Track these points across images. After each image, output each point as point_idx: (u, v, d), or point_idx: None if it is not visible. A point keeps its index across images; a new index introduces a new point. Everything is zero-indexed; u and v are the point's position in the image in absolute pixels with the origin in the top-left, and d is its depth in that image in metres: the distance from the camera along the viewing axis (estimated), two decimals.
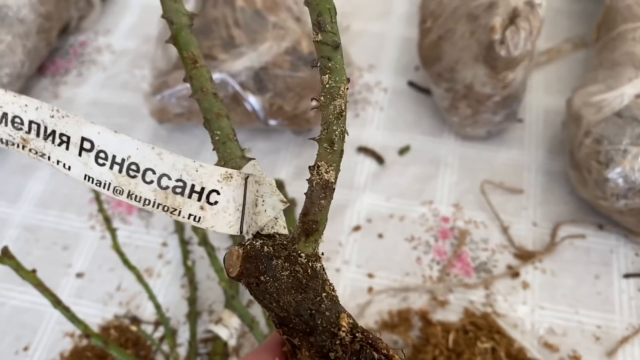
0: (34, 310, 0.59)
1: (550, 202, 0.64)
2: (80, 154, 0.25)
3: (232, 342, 0.54)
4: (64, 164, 0.25)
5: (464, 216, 0.63)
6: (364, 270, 0.60)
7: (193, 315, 0.56)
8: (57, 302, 0.46)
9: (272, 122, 0.64)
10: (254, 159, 0.29)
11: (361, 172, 0.67)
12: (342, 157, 0.26)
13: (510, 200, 0.64)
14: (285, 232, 0.27)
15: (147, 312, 0.58)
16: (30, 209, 0.65)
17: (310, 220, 0.26)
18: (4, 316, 0.58)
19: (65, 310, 0.46)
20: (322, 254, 0.27)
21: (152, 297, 0.53)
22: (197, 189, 0.25)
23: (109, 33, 0.81)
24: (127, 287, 0.60)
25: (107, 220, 0.54)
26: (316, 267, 0.26)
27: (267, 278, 0.25)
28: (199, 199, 0.26)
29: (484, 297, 0.58)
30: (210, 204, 0.26)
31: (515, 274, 0.59)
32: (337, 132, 0.26)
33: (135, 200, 0.25)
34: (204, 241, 0.53)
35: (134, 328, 0.53)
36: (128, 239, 0.63)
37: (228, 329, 0.54)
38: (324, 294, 0.26)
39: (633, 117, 0.56)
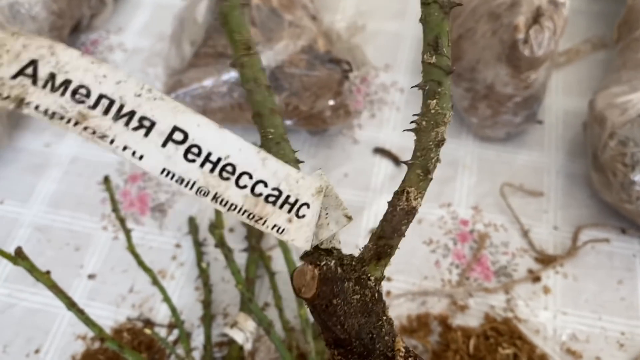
0: (46, 312, 0.57)
1: (572, 205, 0.63)
2: (164, 145, 0.22)
3: (247, 346, 0.53)
4: (134, 152, 0.22)
5: (484, 219, 0.62)
6: None
7: (208, 319, 0.55)
8: (71, 304, 0.45)
9: (288, 122, 0.63)
10: (321, 169, 0.27)
11: (378, 173, 0.66)
12: (428, 187, 0.26)
13: (531, 203, 0.63)
14: (340, 247, 0.26)
15: (161, 314, 0.57)
16: (42, 209, 0.64)
17: (386, 245, 0.26)
18: (15, 318, 0.57)
19: (80, 313, 0.45)
20: (385, 277, 0.27)
21: (167, 299, 0.52)
22: (292, 200, 0.24)
23: (121, 31, 0.80)
24: (140, 289, 0.59)
25: (122, 221, 0.53)
26: (381, 291, 0.26)
27: (339, 301, 0.25)
28: (289, 211, 0.24)
29: (505, 302, 0.57)
30: (298, 217, 0.24)
31: (536, 279, 0.58)
32: (433, 160, 0.25)
33: (220, 203, 0.23)
34: (221, 243, 0.52)
35: (147, 331, 0.52)
36: (141, 240, 0.62)
37: (244, 332, 0.53)
38: (384, 318, 0.25)
39: None
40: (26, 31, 0.67)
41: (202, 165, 0.22)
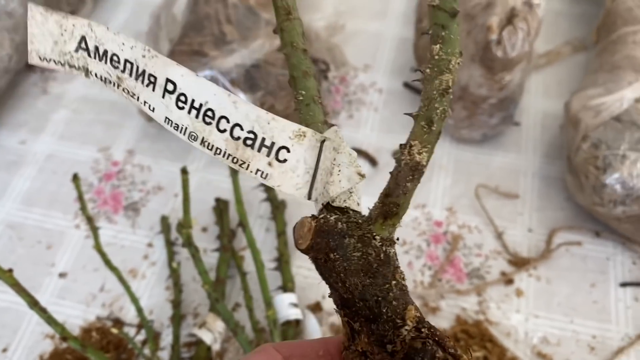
0: (14, 311, 0.57)
1: (547, 207, 0.62)
2: (163, 96, 0.25)
3: (215, 347, 0.53)
4: (150, 105, 0.25)
5: (458, 220, 0.62)
6: None
7: (177, 319, 0.55)
8: (33, 303, 0.45)
9: None
10: (336, 125, 0.27)
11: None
12: (438, 138, 0.25)
13: (506, 205, 0.63)
14: (359, 209, 0.26)
15: (131, 314, 0.57)
16: (14, 207, 0.64)
17: (392, 202, 0.24)
18: None
19: (42, 312, 0.45)
20: (397, 239, 0.25)
21: (133, 299, 0.51)
22: (267, 143, 0.24)
23: None
24: (111, 288, 0.58)
25: (89, 219, 0.53)
26: (389, 252, 0.25)
27: (337, 256, 0.24)
28: (268, 154, 0.24)
29: (477, 304, 0.56)
30: (279, 161, 0.25)
31: (509, 281, 0.58)
32: (438, 111, 0.24)
33: (207, 148, 0.25)
34: (188, 242, 0.51)
35: (114, 330, 0.52)
36: (113, 239, 0.61)
37: (212, 333, 0.53)
38: (393, 282, 0.24)
39: (632, 122, 0.54)
40: (2, 27, 0.66)
41: (190, 111, 0.24)
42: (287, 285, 0.56)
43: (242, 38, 0.63)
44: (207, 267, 0.55)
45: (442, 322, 0.55)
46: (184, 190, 0.53)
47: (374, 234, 0.24)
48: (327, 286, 0.25)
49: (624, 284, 0.57)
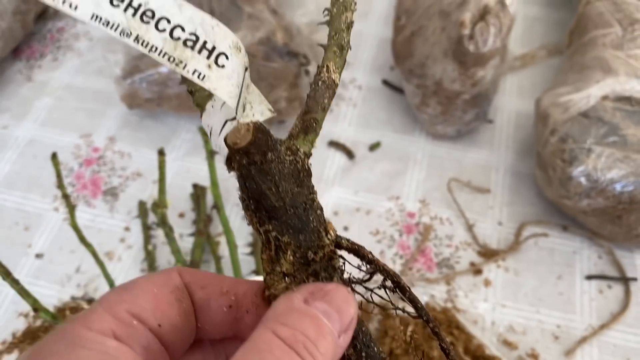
0: None
1: (517, 202, 0.64)
2: None
3: None
4: (71, 4, 0.24)
5: (430, 212, 0.63)
6: None
7: None
8: (6, 274, 0.45)
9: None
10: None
11: (331, 166, 0.67)
12: (344, 66, 0.28)
13: (477, 199, 0.64)
14: None
15: (103, 286, 0.58)
16: None
17: (312, 118, 0.26)
18: None
19: (15, 283, 0.46)
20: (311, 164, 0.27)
21: (106, 275, 0.52)
22: (209, 46, 0.25)
23: None
24: (87, 270, 0.59)
25: (66, 197, 0.54)
26: (310, 167, 0.26)
27: (274, 157, 0.24)
28: (208, 57, 0.25)
29: (445, 292, 0.58)
30: (218, 65, 0.25)
31: (477, 271, 0.59)
32: (345, 40, 0.27)
33: (142, 45, 0.24)
34: (162, 221, 0.52)
35: (87, 307, 0.52)
36: (91, 222, 0.62)
37: None
38: (314, 195, 0.26)
39: (598, 118, 0.56)
40: None
41: (126, 10, 0.24)
42: (260, 270, 0.57)
43: None
44: (183, 251, 0.56)
45: (410, 308, 0.56)
46: (160, 171, 0.54)
47: (298, 146, 0.26)
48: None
49: (589, 277, 0.59)
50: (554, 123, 0.57)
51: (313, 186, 0.26)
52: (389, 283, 0.27)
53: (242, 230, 0.61)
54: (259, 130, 0.24)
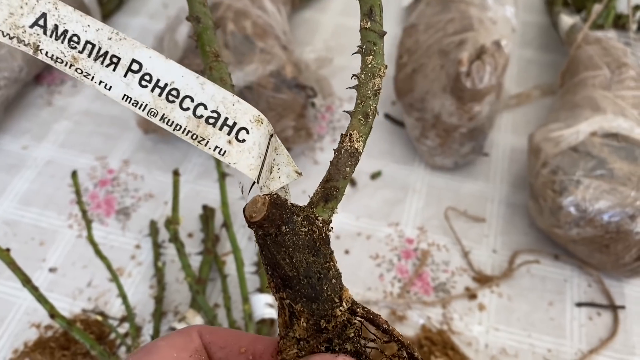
0: (3, 300, 0.60)
1: (511, 232, 0.67)
2: (125, 75, 0.25)
3: None
4: (106, 84, 0.26)
5: (428, 239, 0.66)
6: None
7: (158, 313, 0.58)
8: (26, 281, 0.48)
9: None
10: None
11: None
12: (370, 132, 0.28)
13: (473, 228, 0.67)
14: (290, 199, 0.28)
15: (115, 308, 0.60)
16: (12, 205, 0.68)
17: (332, 187, 0.27)
18: None
19: (34, 290, 0.48)
20: (332, 228, 0.27)
21: (119, 286, 0.55)
22: (230, 122, 0.26)
23: None
24: (98, 284, 0.62)
25: (84, 212, 0.57)
26: (329, 235, 0.27)
27: (288, 230, 0.25)
28: (229, 133, 0.26)
29: (441, 315, 0.60)
30: (238, 140, 0.26)
31: (472, 296, 0.62)
32: (372, 107, 0.28)
33: (167, 124, 0.26)
34: (175, 237, 0.55)
35: (99, 318, 0.55)
36: (104, 239, 0.65)
37: None
38: (331, 263, 0.26)
39: (587, 152, 0.60)
40: None
41: (153, 90, 0.26)
42: (265, 288, 0.59)
43: (237, 62, 0.69)
44: (194, 272, 0.59)
45: (408, 330, 0.59)
46: (174, 189, 0.58)
47: (317, 215, 0.27)
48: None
49: (579, 304, 0.61)
50: (546, 156, 0.61)
51: (331, 252, 0.26)
52: (403, 353, 0.28)
53: (247, 251, 0.64)
54: (274, 205, 0.25)
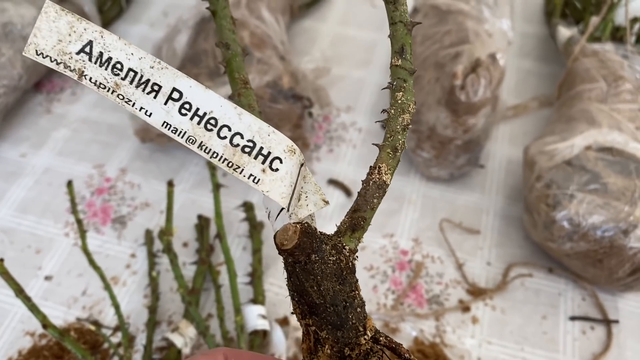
0: None
1: (506, 244, 0.67)
2: (166, 103, 0.27)
3: (186, 350, 0.56)
4: (146, 111, 0.27)
5: (422, 251, 0.66)
6: None
7: (152, 323, 0.58)
8: (19, 291, 0.49)
9: None
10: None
11: (329, 202, 0.70)
12: (397, 165, 0.29)
13: (468, 240, 0.67)
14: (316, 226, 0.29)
15: (109, 317, 0.60)
16: (9, 213, 0.68)
17: (360, 217, 0.28)
18: None
19: (27, 300, 0.49)
20: (358, 257, 0.28)
21: (112, 296, 0.55)
22: (265, 152, 0.27)
23: None
24: (93, 293, 0.62)
25: (79, 222, 0.57)
26: (355, 263, 0.27)
27: (317, 258, 0.26)
28: (263, 162, 0.27)
29: (434, 327, 0.60)
30: (272, 169, 0.27)
31: (466, 309, 0.62)
32: (400, 142, 0.29)
33: (204, 151, 0.27)
34: (168, 248, 0.56)
35: (92, 327, 0.55)
36: (99, 248, 0.65)
37: (183, 337, 0.56)
38: (357, 292, 0.27)
39: (581, 167, 0.60)
40: (16, 49, 0.72)
41: (192, 118, 0.27)
42: (258, 299, 0.59)
43: None
44: (185, 279, 0.59)
45: (400, 342, 0.59)
46: (168, 200, 0.58)
47: (344, 244, 0.27)
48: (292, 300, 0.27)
49: (573, 318, 0.61)
50: (540, 170, 0.61)
51: (356, 281, 0.27)
52: None
53: (242, 261, 0.64)
54: (305, 234, 0.26)
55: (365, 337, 0.26)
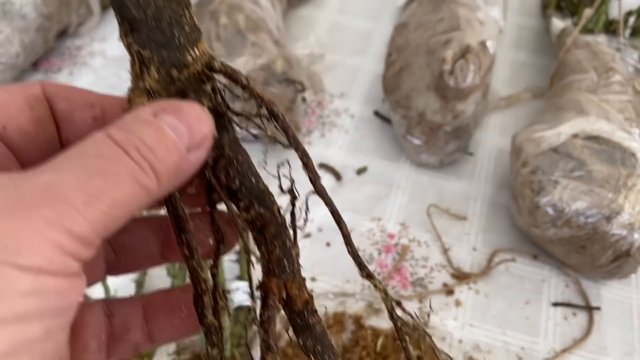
0: None
1: (492, 231, 0.68)
2: None
3: None
4: None
5: (409, 235, 0.67)
6: (308, 274, 0.63)
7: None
8: None
9: (237, 129, 0.68)
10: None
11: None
12: None
13: (454, 226, 0.68)
14: None
15: (96, 291, 0.61)
16: None
17: None
18: None
19: None
20: None
21: None
22: None
23: (105, 40, 0.87)
24: None
25: None
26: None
27: None
28: None
29: (417, 309, 0.61)
30: None
31: (449, 292, 0.62)
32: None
33: None
34: None
35: (79, 299, 0.56)
36: None
37: None
38: (187, 12, 0.25)
39: (567, 154, 0.60)
40: (14, 28, 0.72)
41: None
42: (244, 276, 0.60)
43: (228, 54, 0.70)
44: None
45: (383, 322, 0.60)
46: None
47: None
48: None
49: (555, 304, 0.62)
50: (526, 156, 0.61)
51: (189, 2, 0.25)
52: (264, 111, 0.27)
53: None
54: None
55: (193, 54, 0.24)
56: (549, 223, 0.59)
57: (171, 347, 0.58)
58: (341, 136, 0.77)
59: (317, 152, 0.74)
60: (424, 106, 0.65)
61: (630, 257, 0.57)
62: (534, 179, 0.59)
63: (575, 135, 0.62)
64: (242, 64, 0.69)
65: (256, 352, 0.57)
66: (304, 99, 0.76)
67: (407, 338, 0.32)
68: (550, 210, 0.58)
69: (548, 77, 0.83)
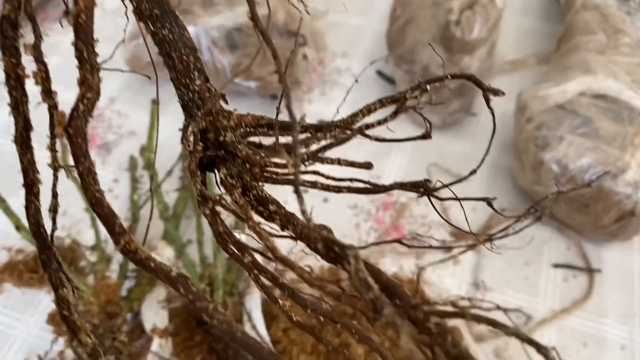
0: None
1: (493, 192, 0.66)
2: None
3: None
4: None
5: (408, 193, 0.65)
6: None
7: None
8: None
9: (237, 81, 0.67)
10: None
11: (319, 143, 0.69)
12: None
13: (455, 186, 0.66)
14: None
15: (87, 238, 0.60)
16: None
17: None
18: None
19: (1, 201, 0.48)
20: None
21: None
22: None
23: None
24: (73, 214, 0.61)
25: (65, 147, 0.56)
26: None
27: None
28: None
29: (414, 265, 0.59)
30: None
31: (447, 249, 0.61)
32: None
33: None
34: (148, 165, 0.55)
35: (68, 240, 0.55)
36: None
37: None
38: None
39: (573, 110, 0.59)
40: None
41: None
42: (238, 225, 0.59)
43: (229, 3, 0.68)
44: (168, 206, 0.58)
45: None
46: (151, 118, 0.57)
47: None
48: None
49: (556, 265, 0.61)
50: (531, 112, 0.60)
51: None
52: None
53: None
54: None
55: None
56: (552, 180, 0.57)
57: (162, 294, 0.56)
58: (341, 95, 0.75)
59: (317, 110, 0.73)
60: (428, 60, 0.63)
61: (635, 216, 0.56)
62: (538, 135, 0.58)
63: (582, 93, 0.60)
64: (243, 12, 0.68)
65: (248, 301, 0.56)
66: (305, 56, 0.74)
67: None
68: (554, 167, 0.57)
69: (554, 43, 0.81)
